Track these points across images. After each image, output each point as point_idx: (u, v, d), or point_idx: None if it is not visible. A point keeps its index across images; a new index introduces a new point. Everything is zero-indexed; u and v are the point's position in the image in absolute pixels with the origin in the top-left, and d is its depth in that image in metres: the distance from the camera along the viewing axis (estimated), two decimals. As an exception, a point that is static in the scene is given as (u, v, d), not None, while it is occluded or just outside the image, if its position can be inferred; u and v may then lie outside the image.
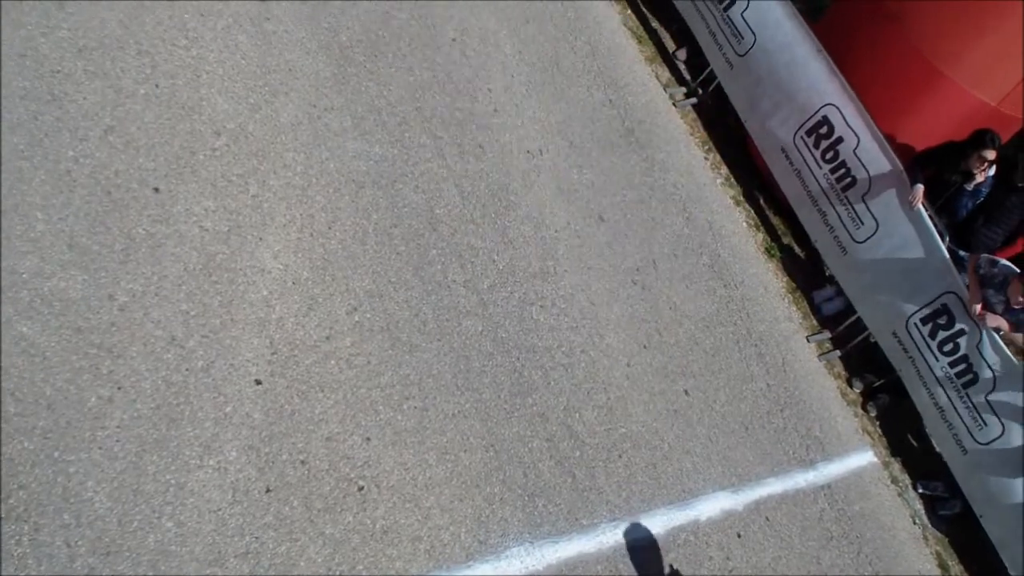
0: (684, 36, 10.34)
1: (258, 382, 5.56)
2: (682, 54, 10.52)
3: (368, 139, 7.10)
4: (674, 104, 9.95)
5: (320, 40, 7.40)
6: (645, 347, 7.54)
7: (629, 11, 10.47)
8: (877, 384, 9.08)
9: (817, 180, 8.89)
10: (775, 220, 9.85)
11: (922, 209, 8.11)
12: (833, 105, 8.63)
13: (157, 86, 6.28)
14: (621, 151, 8.89)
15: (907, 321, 8.32)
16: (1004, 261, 7.85)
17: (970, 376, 7.96)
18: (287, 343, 5.82)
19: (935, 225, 8.12)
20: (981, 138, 8.14)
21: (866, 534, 7.93)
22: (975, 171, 8.30)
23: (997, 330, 7.75)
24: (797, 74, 8.91)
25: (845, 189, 8.67)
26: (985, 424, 7.91)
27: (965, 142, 8.29)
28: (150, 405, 5.13)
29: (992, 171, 8.38)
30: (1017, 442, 7.73)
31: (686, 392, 7.56)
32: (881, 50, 8.89)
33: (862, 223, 8.62)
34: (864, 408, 8.98)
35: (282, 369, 5.71)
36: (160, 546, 4.82)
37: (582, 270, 7.62)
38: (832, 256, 8.99)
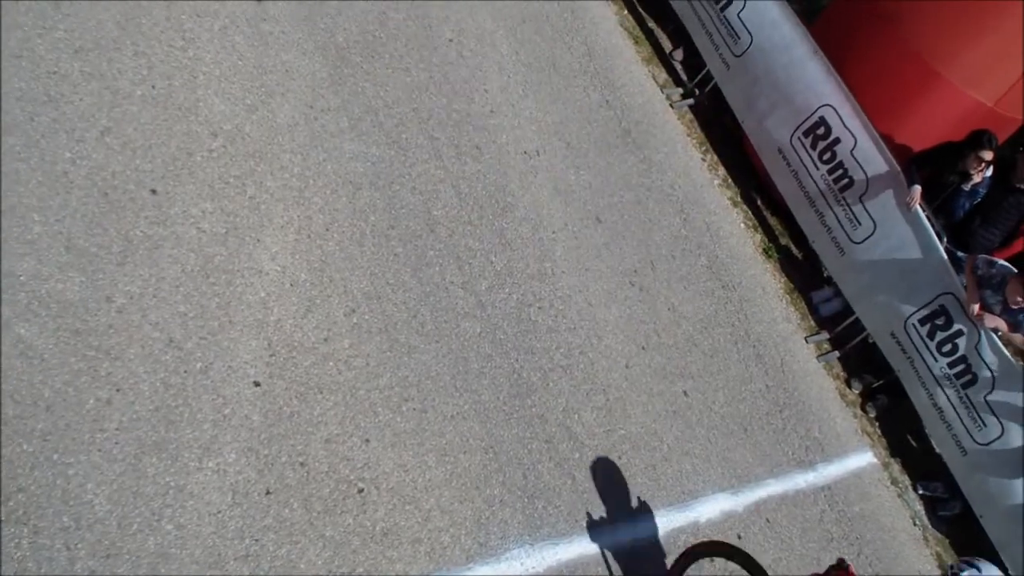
0: (681, 37, 10.35)
1: (257, 384, 5.53)
2: (679, 55, 10.52)
3: (365, 140, 7.08)
4: (671, 105, 9.95)
5: (317, 41, 7.38)
6: (643, 348, 7.53)
7: (626, 12, 10.47)
8: (876, 385, 9.08)
9: (814, 181, 8.88)
10: (773, 221, 9.84)
11: (919, 210, 8.11)
12: (830, 106, 8.63)
13: (154, 87, 6.26)
14: (618, 152, 8.89)
15: (905, 322, 8.32)
16: (1002, 261, 7.84)
17: (969, 377, 7.96)
18: (285, 345, 5.80)
19: (933, 226, 8.13)
20: (978, 138, 8.14)
21: (866, 535, 7.92)
22: (972, 171, 8.30)
23: (995, 330, 7.75)
24: (794, 75, 8.91)
25: (842, 190, 8.67)
26: (984, 425, 7.91)
27: (962, 142, 8.29)
28: (149, 407, 5.10)
29: (989, 172, 8.39)
30: (1016, 443, 7.73)
31: (685, 393, 7.55)
32: (878, 51, 8.90)
33: (859, 224, 8.62)
34: (863, 409, 8.98)
35: (281, 371, 5.68)
36: (160, 549, 4.79)
37: (580, 271, 7.61)
38: (830, 257, 8.99)
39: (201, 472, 5.10)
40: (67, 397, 4.90)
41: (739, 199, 9.71)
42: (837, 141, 8.64)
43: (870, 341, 8.89)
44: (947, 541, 8.60)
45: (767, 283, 9.15)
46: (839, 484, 8.07)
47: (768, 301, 8.98)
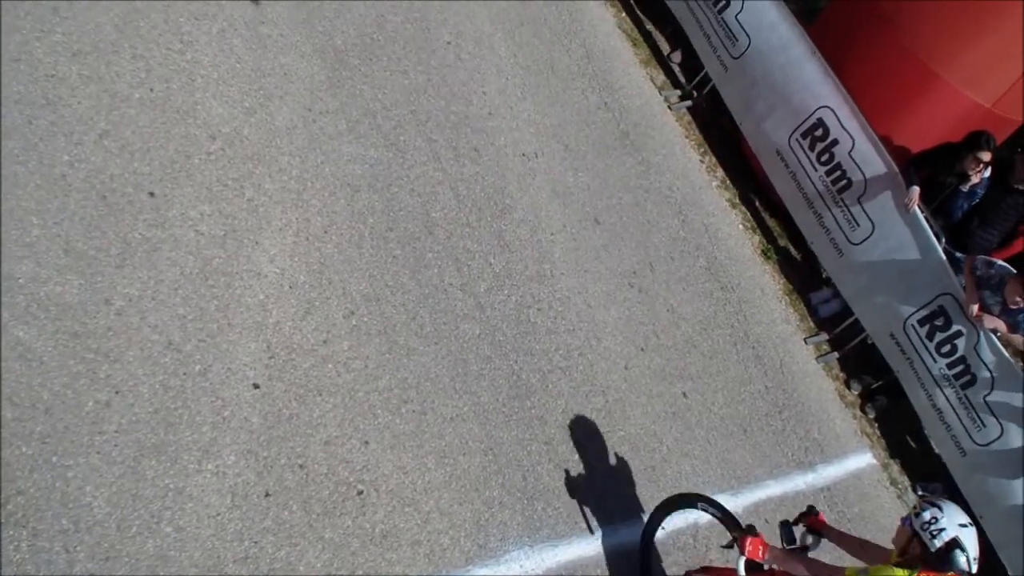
0: (679, 39, 10.34)
1: (256, 386, 5.53)
2: (677, 57, 10.52)
3: (363, 142, 7.08)
4: (669, 107, 9.95)
5: (315, 44, 7.38)
6: (643, 350, 7.53)
7: (624, 14, 10.47)
8: (875, 386, 9.08)
9: (813, 182, 8.88)
10: (771, 222, 9.84)
11: (918, 211, 8.11)
12: (828, 107, 8.62)
13: (152, 90, 6.26)
14: (616, 154, 8.89)
15: (904, 322, 8.31)
16: (1000, 262, 7.84)
17: (968, 377, 7.95)
18: (284, 347, 5.80)
19: (931, 227, 8.12)
20: (976, 139, 8.14)
21: (865, 536, 7.89)
22: (970, 172, 8.30)
23: (994, 331, 7.75)
24: (792, 76, 8.91)
25: (841, 191, 8.67)
26: (984, 425, 7.90)
27: (960, 144, 8.29)
28: (148, 409, 5.11)
29: (987, 173, 8.38)
30: (1015, 443, 7.72)
31: (684, 395, 7.55)
32: (877, 51, 8.89)
33: (858, 225, 8.62)
34: (862, 410, 8.98)
35: (280, 373, 5.69)
36: (159, 551, 4.79)
37: (579, 273, 7.61)
38: (828, 258, 8.99)
39: (200, 474, 5.10)
40: (66, 399, 4.90)
41: (737, 200, 9.71)
42: (835, 142, 8.63)
43: (869, 342, 8.89)
44: (947, 542, 8.58)
45: (766, 284, 9.15)
46: (838, 485, 8.07)
47: (767, 302, 8.98)
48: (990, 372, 7.80)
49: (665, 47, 10.61)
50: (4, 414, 4.70)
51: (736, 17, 9.26)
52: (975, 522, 5.15)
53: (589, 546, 6.29)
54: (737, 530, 5.87)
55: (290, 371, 5.73)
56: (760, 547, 5.43)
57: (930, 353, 8.16)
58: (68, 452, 4.79)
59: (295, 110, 6.90)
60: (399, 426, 5.95)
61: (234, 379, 5.49)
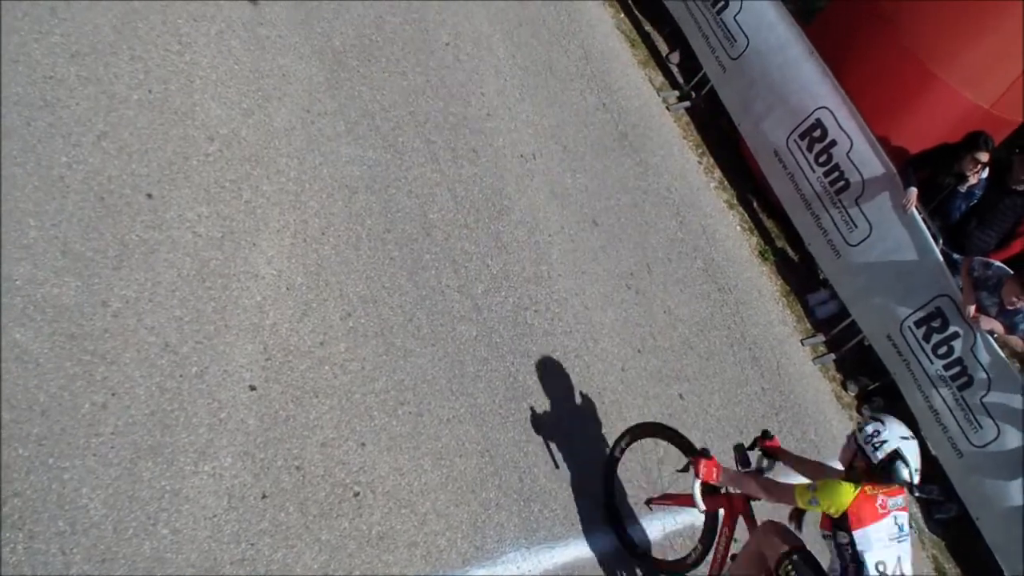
0: (677, 39, 10.35)
1: (252, 388, 5.54)
2: (675, 57, 10.53)
3: (361, 144, 7.09)
4: (667, 108, 9.96)
5: (313, 45, 7.39)
6: (639, 351, 7.54)
7: (622, 15, 10.47)
8: (872, 387, 9.09)
9: (810, 183, 8.89)
10: (769, 223, 9.85)
11: (916, 212, 8.12)
12: (826, 108, 8.63)
13: (150, 91, 6.26)
14: (614, 155, 8.90)
15: (901, 324, 8.32)
16: (998, 263, 7.85)
17: (965, 379, 7.96)
18: (281, 349, 5.80)
19: (929, 228, 8.13)
20: (975, 140, 8.16)
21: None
22: (968, 173, 8.31)
23: (991, 332, 7.76)
24: (790, 77, 8.92)
25: (838, 192, 8.68)
26: (980, 427, 7.91)
27: (958, 144, 8.30)
28: (144, 411, 5.11)
29: (985, 173, 8.39)
30: (1012, 444, 7.74)
31: (681, 396, 7.56)
32: (875, 52, 8.91)
33: (855, 226, 8.63)
34: (859, 411, 8.98)
35: (276, 375, 5.69)
36: (156, 553, 4.80)
37: (576, 274, 7.62)
38: (826, 259, 9.00)
39: (197, 476, 5.11)
40: (63, 401, 4.90)
41: (735, 202, 9.72)
42: (833, 143, 8.65)
43: (866, 343, 8.89)
44: (943, 544, 8.61)
45: (763, 286, 9.16)
46: (835, 486, 8.07)
47: (764, 304, 8.99)
48: (987, 374, 7.81)
49: (663, 48, 10.62)
50: (1, 416, 4.71)
51: (735, 18, 9.27)
52: (918, 436, 5.30)
53: (586, 547, 6.30)
54: (691, 453, 6.02)
55: (287, 373, 5.73)
56: (714, 469, 5.67)
57: (927, 354, 8.17)
58: (65, 454, 4.79)
59: (293, 111, 6.90)
60: (396, 428, 5.96)
61: (231, 381, 5.49)
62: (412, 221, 6.95)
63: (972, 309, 7.76)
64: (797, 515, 5.59)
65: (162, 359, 5.32)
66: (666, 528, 6.82)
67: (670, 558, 6.44)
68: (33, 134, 5.58)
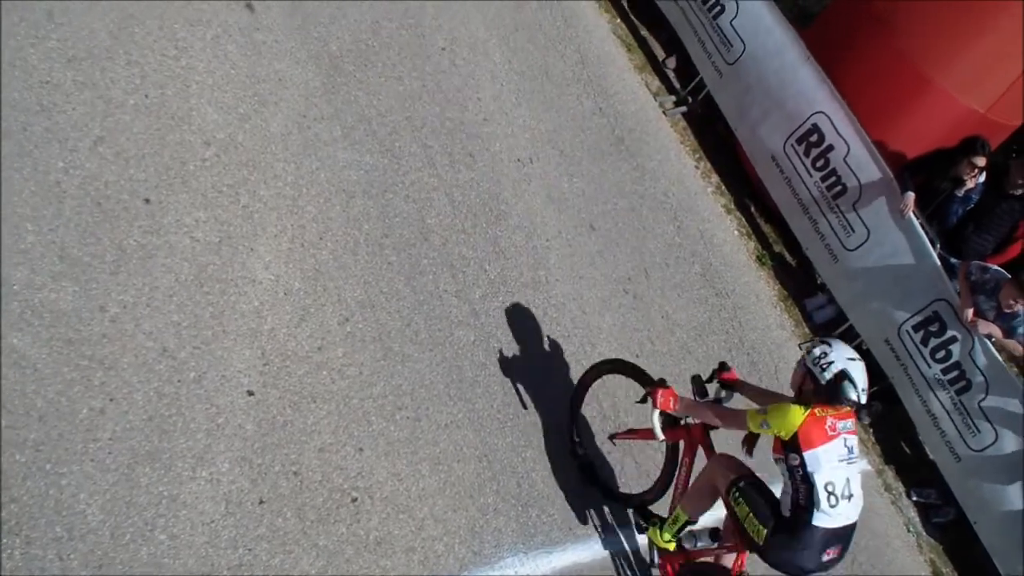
0: (674, 44, 10.36)
1: (250, 393, 5.53)
2: (672, 62, 10.53)
3: (358, 149, 7.08)
4: (664, 112, 9.96)
5: (310, 50, 7.38)
6: (637, 356, 7.52)
7: (619, 20, 10.48)
8: (870, 391, 9.07)
9: (808, 188, 8.89)
10: (766, 228, 9.86)
11: (913, 217, 8.12)
12: (823, 113, 8.64)
13: (147, 96, 6.26)
14: (611, 160, 8.90)
15: (899, 328, 8.33)
16: (995, 267, 7.86)
17: (963, 383, 7.96)
18: (279, 354, 5.79)
19: (926, 232, 8.14)
20: (971, 144, 8.17)
21: (860, 542, 7.89)
22: (965, 177, 8.31)
23: (989, 337, 7.76)
24: (787, 81, 8.93)
25: (836, 197, 8.69)
26: (978, 431, 7.91)
27: (955, 149, 8.31)
28: (142, 416, 5.10)
29: (982, 178, 8.40)
30: (1010, 448, 7.74)
31: (679, 400, 7.55)
32: (871, 57, 8.92)
33: (853, 231, 8.63)
34: (857, 417, 8.96)
35: (274, 380, 5.68)
36: (153, 559, 4.78)
37: (574, 279, 7.62)
38: (823, 264, 9.00)
39: (194, 482, 5.09)
40: (60, 407, 4.89)
41: (732, 206, 9.72)
42: (830, 148, 8.66)
43: (864, 348, 8.88)
44: (941, 548, 8.60)
45: (761, 290, 9.16)
46: (833, 491, 8.07)
47: (762, 308, 8.99)
48: (984, 377, 7.82)
49: (660, 53, 10.62)
50: (-2, 422, 4.70)
51: (731, 22, 9.29)
52: (865, 359, 5.44)
53: (584, 552, 6.29)
54: (649, 384, 6.11)
55: (284, 378, 5.72)
56: (671, 398, 5.82)
57: (924, 359, 8.18)
58: (62, 459, 4.77)
59: (290, 116, 6.90)
60: (393, 433, 5.95)
61: (228, 386, 5.48)
62: (410, 226, 6.95)
63: (970, 313, 7.77)
64: (750, 441, 5.79)
65: (160, 364, 5.31)
66: (628, 464, 6.95)
67: (635, 492, 6.53)
68: (30, 139, 5.57)
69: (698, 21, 9.67)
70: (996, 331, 7.74)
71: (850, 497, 5.25)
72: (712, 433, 6.03)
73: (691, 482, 6.02)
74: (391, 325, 6.37)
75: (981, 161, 8.19)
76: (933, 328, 8.12)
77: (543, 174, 8.17)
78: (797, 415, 5.18)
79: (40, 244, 5.27)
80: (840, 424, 5.27)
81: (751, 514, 5.38)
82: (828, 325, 9.28)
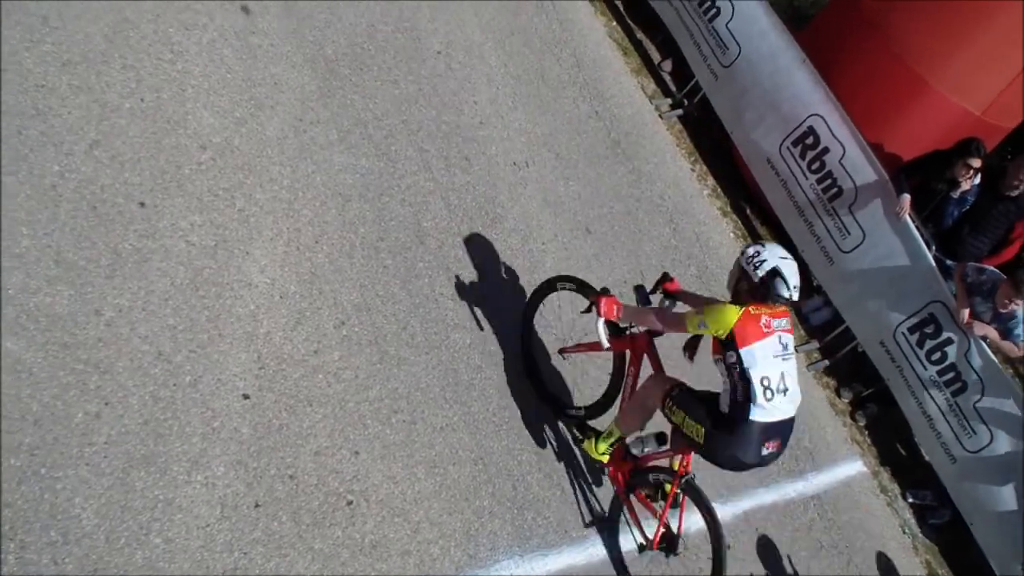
0: (669, 47, 10.37)
1: (246, 396, 5.53)
2: (667, 65, 10.55)
3: (354, 152, 7.09)
4: (660, 116, 9.97)
5: (305, 54, 7.38)
6: (634, 358, 7.52)
7: (614, 23, 10.49)
8: (866, 393, 9.10)
9: (804, 190, 8.90)
10: (762, 231, 9.87)
11: (908, 219, 8.13)
12: (819, 115, 8.65)
13: (142, 100, 6.26)
14: (607, 163, 8.91)
15: (895, 330, 8.33)
16: (991, 268, 7.88)
17: (958, 384, 7.97)
18: (275, 357, 5.79)
19: (921, 234, 8.15)
20: (967, 146, 8.17)
21: (856, 543, 7.93)
22: (961, 179, 8.32)
23: (984, 338, 7.77)
24: (782, 84, 8.94)
25: (831, 199, 8.69)
26: (974, 432, 7.92)
27: (950, 150, 8.31)
28: (138, 420, 5.09)
29: (978, 179, 8.41)
30: (1005, 449, 7.75)
31: (675, 403, 7.54)
32: (865, 59, 8.94)
33: (849, 233, 8.64)
34: (853, 417, 9.00)
35: (270, 383, 5.68)
36: (148, 563, 4.78)
37: (570, 282, 7.62)
38: (819, 266, 9.00)
39: (190, 485, 5.09)
40: (55, 411, 4.88)
41: (729, 209, 9.73)
42: (826, 151, 8.66)
43: (860, 350, 8.91)
44: (937, 549, 8.62)
45: (757, 292, 9.16)
46: (829, 493, 8.09)
47: (758, 311, 8.98)
48: (980, 379, 7.83)
49: (655, 56, 10.64)
50: (-7, 426, 4.70)
51: (726, 25, 9.29)
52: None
53: (579, 555, 6.30)
54: (593, 294, 6.27)
55: (280, 381, 5.72)
56: (614, 306, 5.98)
57: (920, 360, 8.19)
58: (57, 464, 4.77)
59: (286, 120, 6.90)
60: (389, 436, 5.95)
61: (224, 390, 5.48)
62: (406, 229, 6.95)
63: (966, 315, 7.78)
64: (691, 346, 6.21)
65: (155, 368, 5.31)
66: (578, 377, 7.12)
67: (586, 404, 6.66)
68: (25, 143, 5.57)
69: (693, 24, 9.68)
70: (992, 333, 7.76)
71: (786, 391, 5.41)
72: (658, 347, 6.21)
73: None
74: (387, 328, 6.38)
75: (976, 163, 8.20)
76: (929, 330, 8.13)
77: (539, 177, 8.17)
78: (732, 313, 5.34)
79: (35, 248, 5.26)
80: (775, 322, 5.43)
81: (687, 417, 5.58)
82: (824, 327, 9.29)
